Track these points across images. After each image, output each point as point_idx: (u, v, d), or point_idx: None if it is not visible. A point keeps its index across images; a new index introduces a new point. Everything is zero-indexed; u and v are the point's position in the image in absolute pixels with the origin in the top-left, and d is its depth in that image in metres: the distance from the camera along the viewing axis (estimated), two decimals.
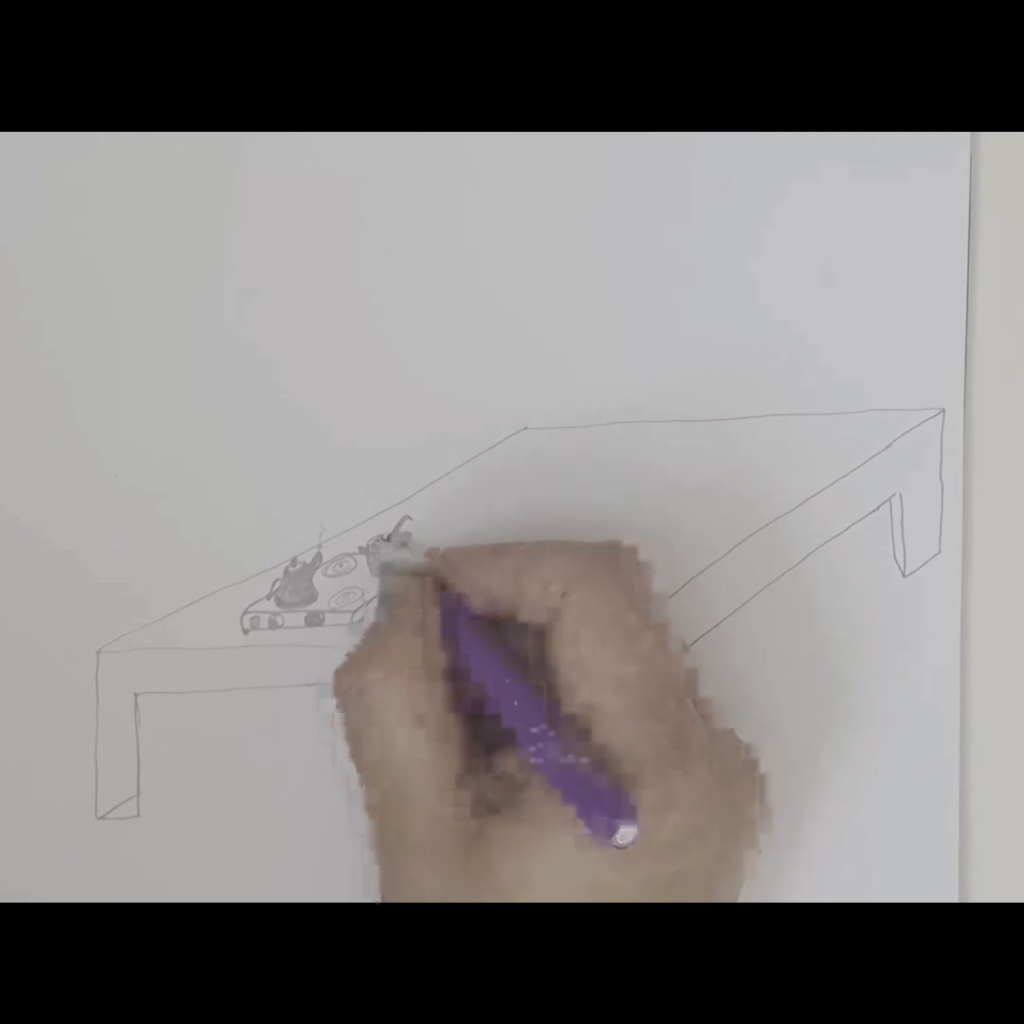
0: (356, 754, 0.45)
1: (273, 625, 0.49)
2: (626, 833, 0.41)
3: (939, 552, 0.50)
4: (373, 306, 0.49)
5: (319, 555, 0.49)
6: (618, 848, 0.41)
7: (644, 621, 0.44)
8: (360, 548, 0.49)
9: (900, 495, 0.50)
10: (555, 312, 0.49)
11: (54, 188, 0.48)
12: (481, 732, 0.45)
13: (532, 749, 0.43)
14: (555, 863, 0.43)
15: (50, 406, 0.48)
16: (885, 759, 0.50)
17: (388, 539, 0.48)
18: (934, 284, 0.50)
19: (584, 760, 0.42)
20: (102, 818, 0.48)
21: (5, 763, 0.48)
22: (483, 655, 0.45)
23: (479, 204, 0.49)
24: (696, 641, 0.50)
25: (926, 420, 0.50)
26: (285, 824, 0.48)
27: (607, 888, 0.43)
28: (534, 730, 0.43)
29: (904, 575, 0.50)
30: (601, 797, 0.41)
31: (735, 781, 0.45)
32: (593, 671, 0.44)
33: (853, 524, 0.50)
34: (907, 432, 0.50)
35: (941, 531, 0.50)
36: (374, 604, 0.48)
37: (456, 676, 0.45)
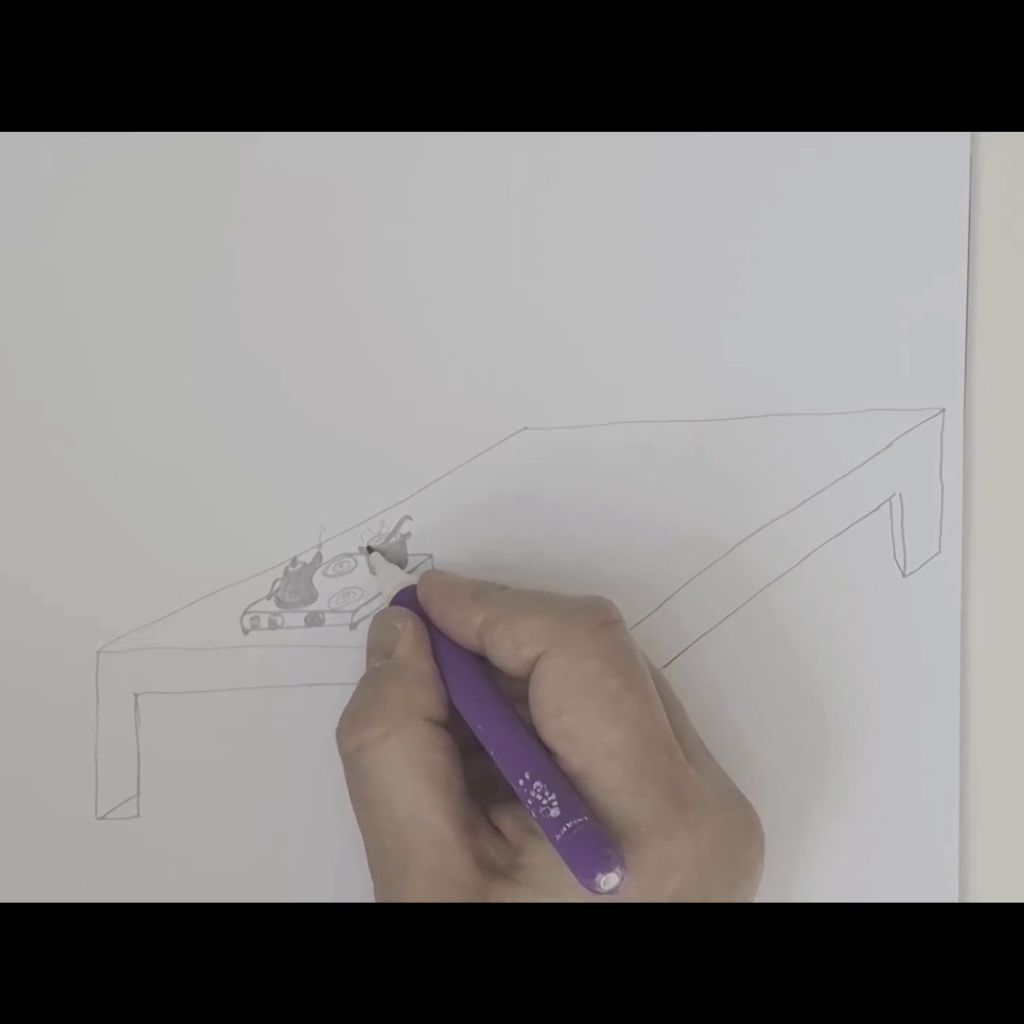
0: (358, 812, 0.44)
1: (273, 625, 0.49)
2: (608, 880, 0.40)
3: (939, 552, 0.50)
4: (374, 306, 0.49)
5: (319, 555, 0.49)
6: (604, 893, 0.40)
7: (625, 681, 0.43)
8: (360, 548, 0.49)
9: (900, 495, 0.50)
10: (555, 312, 0.49)
11: (54, 188, 0.48)
12: (480, 778, 0.45)
13: (520, 794, 0.42)
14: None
15: (50, 406, 0.48)
16: (885, 759, 0.50)
17: (373, 547, 0.48)
18: (934, 284, 0.50)
19: (571, 807, 0.41)
20: (102, 818, 0.48)
21: (5, 763, 0.48)
22: (473, 700, 0.44)
23: (480, 204, 0.49)
24: (696, 641, 0.50)
25: (926, 420, 0.50)
26: (285, 824, 0.48)
27: None
28: (520, 780, 0.42)
29: (904, 575, 0.50)
30: (585, 844, 0.41)
31: (734, 829, 0.44)
32: (581, 740, 0.43)
33: (853, 524, 0.50)
34: (907, 432, 0.50)
35: (941, 531, 0.50)
36: (365, 654, 0.47)
37: (455, 720, 0.44)
